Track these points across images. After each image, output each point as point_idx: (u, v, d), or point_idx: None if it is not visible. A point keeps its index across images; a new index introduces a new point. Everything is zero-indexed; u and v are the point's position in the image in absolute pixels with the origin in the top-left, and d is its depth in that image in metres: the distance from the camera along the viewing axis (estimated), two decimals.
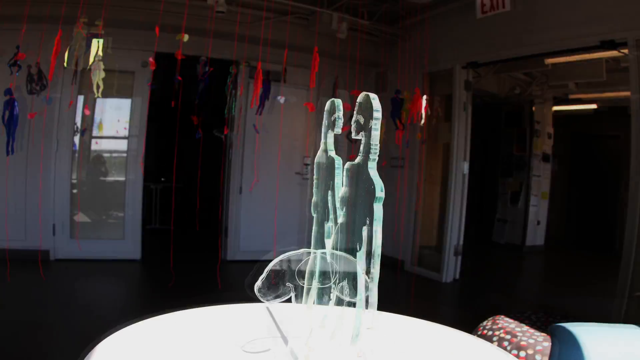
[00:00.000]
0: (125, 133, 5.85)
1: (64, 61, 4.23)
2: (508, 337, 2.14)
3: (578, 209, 8.83)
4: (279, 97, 5.56)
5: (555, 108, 8.24)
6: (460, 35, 5.79)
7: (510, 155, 8.35)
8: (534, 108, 8.01)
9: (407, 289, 5.50)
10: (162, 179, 5.98)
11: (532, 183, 8.01)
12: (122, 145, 5.93)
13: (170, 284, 4.70)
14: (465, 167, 5.93)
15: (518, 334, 2.14)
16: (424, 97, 5.24)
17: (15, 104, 4.68)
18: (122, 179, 5.91)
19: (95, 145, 5.90)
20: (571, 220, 8.82)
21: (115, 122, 5.82)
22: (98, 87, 4.35)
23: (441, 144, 6.29)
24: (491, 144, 8.52)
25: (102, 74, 4.40)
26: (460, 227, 5.95)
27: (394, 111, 5.47)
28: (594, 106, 8.08)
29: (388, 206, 5.30)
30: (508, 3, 4.70)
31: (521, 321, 2.28)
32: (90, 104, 5.66)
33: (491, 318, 2.38)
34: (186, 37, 4.46)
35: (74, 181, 5.72)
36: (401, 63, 6.02)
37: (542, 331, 2.14)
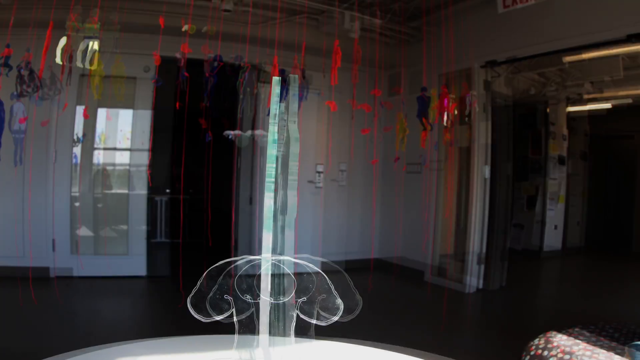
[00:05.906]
0: (128, 144, 5.51)
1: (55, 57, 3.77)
2: (567, 357, 1.97)
3: (595, 212, 8.58)
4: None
5: (570, 109, 8.00)
6: (478, 33, 5.54)
7: (526, 158, 8.09)
8: (548, 109, 7.77)
9: (433, 302, 5.20)
10: (167, 190, 5.61)
11: (548, 186, 7.74)
12: (125, 157, 5.58)
13: (180, 305, 4.34)
14: (487, 171, 5.67)
15: (577, 352, 1.97)
16: (451, 95, 4.91)
17: (2, 107, 4.23)
18: (126, 191, 5.56)
19: (98, 156, 5.55)
20: (589, 223, 8.56)
21: (117, 132, 5.49)
22: (97, 88, 3.96)
23: (457, 148, 5.99)
24: (505, 147, 8.25)
25: (99, 69, 4.03)
26: (483, 234, 5.67)
27: (421, 110, 5.09)
28: (608, 106, 7.87)
29: (411, 213, 4.98)
30: None
31: (575, 337, 2.11)
32: (91, 113, 5.32)
33: (542, 336, 2.19)
34: (193, 28, 4.13)
35: (75, 194, 5.39)
36: (416, 63, 5.73)
37: (600, 347, 2.01)
